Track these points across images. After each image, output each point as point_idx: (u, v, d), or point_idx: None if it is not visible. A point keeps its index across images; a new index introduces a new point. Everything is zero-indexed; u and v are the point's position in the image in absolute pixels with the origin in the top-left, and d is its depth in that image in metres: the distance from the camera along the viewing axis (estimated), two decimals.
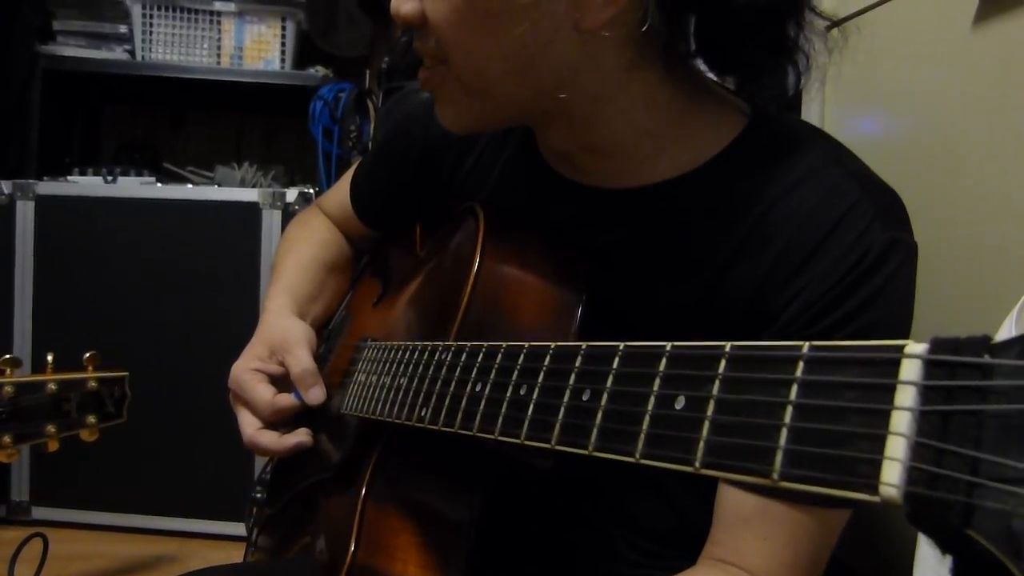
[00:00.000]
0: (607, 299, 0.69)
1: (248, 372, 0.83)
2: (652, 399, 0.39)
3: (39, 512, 1.91)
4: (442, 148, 0.86)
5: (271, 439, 0.81)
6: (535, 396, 0.48)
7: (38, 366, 0.99)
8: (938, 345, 0.28)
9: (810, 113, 1.51)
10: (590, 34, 0.61)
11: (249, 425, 0.82)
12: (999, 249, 0.87)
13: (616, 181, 0.71)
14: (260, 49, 2.23)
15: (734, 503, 0.63)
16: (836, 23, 0.66)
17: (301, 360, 0.83)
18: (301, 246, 1.00)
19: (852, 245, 0.61)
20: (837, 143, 0.70)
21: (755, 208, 0.65)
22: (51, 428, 0.97)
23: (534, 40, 0.61)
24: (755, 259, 0.65)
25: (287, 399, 0.82)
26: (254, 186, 2.08)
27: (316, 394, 0.81)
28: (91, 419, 1.00)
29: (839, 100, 1.43)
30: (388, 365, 0.71)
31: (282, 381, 0.84)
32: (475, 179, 0.83)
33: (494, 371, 0.54)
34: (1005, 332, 0.77)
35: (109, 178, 1.98)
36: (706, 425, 0.35)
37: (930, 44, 1.02)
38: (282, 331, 0.87)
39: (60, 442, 1.02)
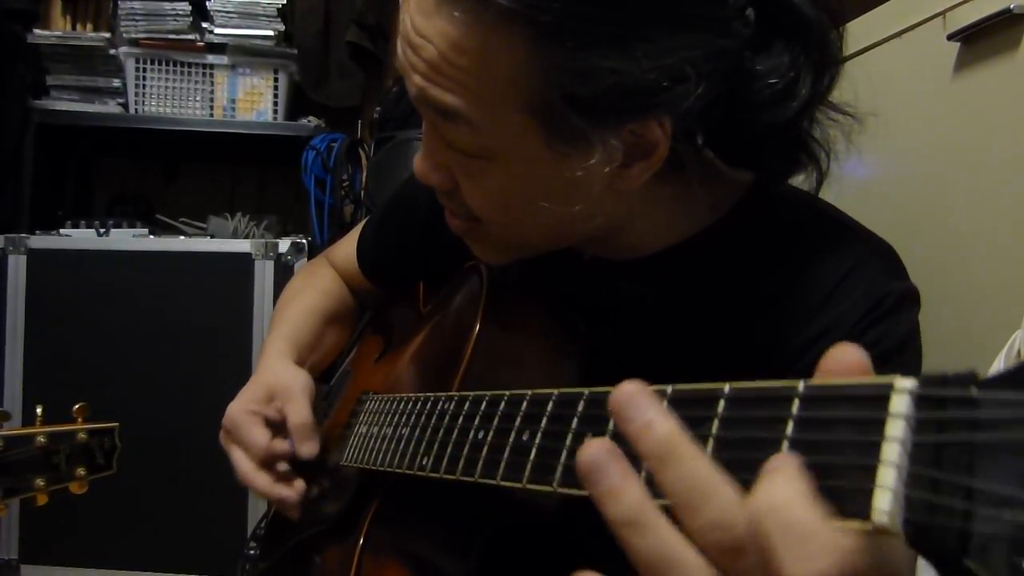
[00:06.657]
0: (616, 362, 0.70)
1: (245, 413, 0.83)
2: None
3: (28, 571, 1.87)
4: None
5: (265, 482, 0.81)
6: (537, 440, 0.49)
7: (29, 420, 0.98)
8: (926, 380, 0.29)
9: None
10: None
11: (245, 463, 0.82)
12: (985, 291, 0.88)
13: (622, 253, 0.72)
14: (253, 101, 2.26)
15: None
16: (853, 115, 0.65)
17: (300, 412, 0.83)
18: (305, 295, 1.00)
19: (866, 293, 0.63)
20: (831, 204, 0.71)
21: (761, 267, 0.67)
22: (40, 481, 0.96)
23: (571, 211, 0.62)
24: (764, 315, 0.66)
25: (282, 445, 0.82)
26: (247, 236, 2.10)
27: (309, 448, 0.81)
28: (80, 471, 0.99)
29: None
30: (389, 416, 0.71)
31: (277, 427, 0.84)
32: None
33: (497, 418, 0.54)
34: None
35: (102, 231, 1.99)
36: None
37: (911, 93, 1.05)
38: (283, 378, 0.87)
39: (49, 496, 1.01)
